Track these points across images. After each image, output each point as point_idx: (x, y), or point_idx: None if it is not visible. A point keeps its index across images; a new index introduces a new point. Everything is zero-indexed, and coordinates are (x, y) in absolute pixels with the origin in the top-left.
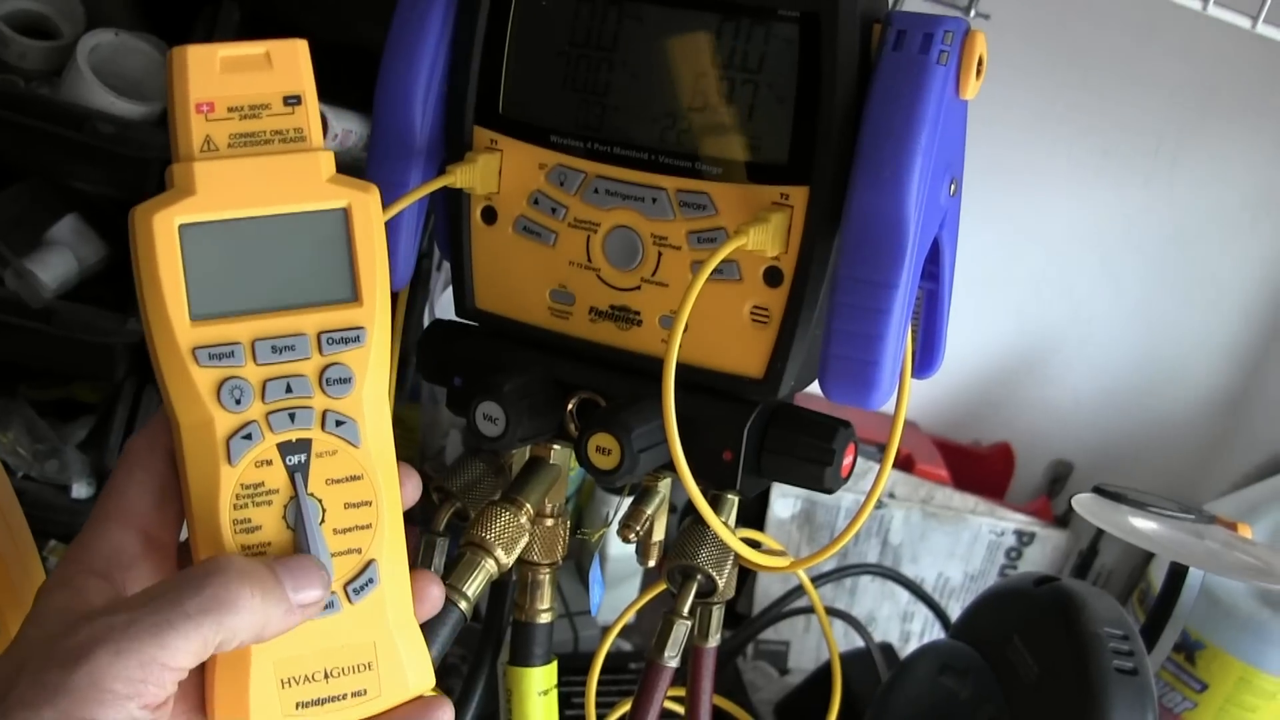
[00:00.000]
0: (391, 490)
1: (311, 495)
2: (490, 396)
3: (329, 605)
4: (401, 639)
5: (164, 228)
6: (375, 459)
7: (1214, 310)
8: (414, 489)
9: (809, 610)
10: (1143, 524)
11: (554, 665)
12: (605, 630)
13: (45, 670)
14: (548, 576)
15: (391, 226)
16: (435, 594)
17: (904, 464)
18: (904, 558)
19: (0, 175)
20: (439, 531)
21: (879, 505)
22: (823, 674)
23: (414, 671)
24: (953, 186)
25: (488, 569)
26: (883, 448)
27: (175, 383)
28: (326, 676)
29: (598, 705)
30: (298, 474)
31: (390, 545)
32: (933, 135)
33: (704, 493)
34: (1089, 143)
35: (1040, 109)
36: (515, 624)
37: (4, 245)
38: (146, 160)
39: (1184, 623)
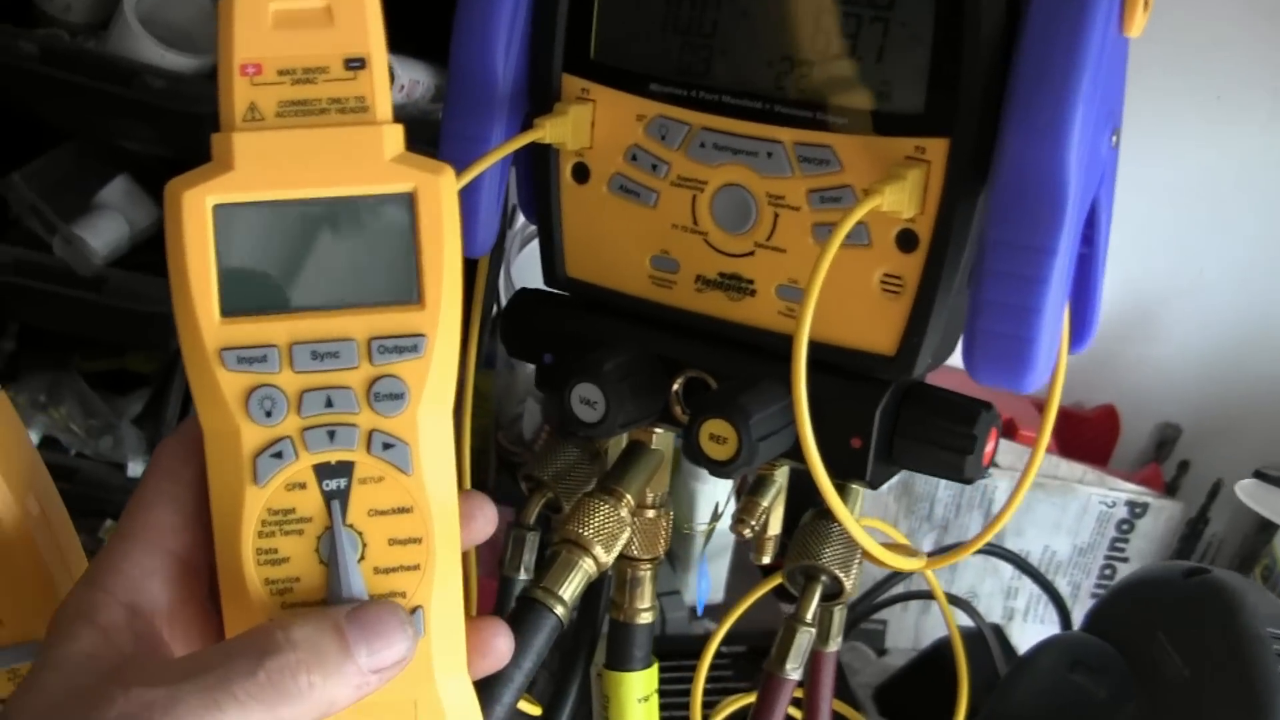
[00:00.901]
0: (448, 527)
1: (350, 527)
2: (588, 378)
3: None
4: (449, 699)
5: (194, 207)
6: (430, 490)
7: None
8: (486, 522)
9: (920, 595)
10: None
11: (655, 669)
12: (699, 614)
13: None
14: (649, 573)
15: (472, 188)
16: (502, 648)
17: (1007, 430)
18: (1008, 531)
19: (46, 136)
20: (529, 525)
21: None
22: (927, 658)
23: None
24: (1114, 137)
25: (585, 569)
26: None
27: (200, 386)
28: None
29: (675, 694)
30: (335, 501)
31: (442, 591)
32: (1095, 78)
33: None
34: (1199, 85)
35: (1146, 50)
36: (613, 624)
37: (51, 210)
38: (199, 116)
39: None
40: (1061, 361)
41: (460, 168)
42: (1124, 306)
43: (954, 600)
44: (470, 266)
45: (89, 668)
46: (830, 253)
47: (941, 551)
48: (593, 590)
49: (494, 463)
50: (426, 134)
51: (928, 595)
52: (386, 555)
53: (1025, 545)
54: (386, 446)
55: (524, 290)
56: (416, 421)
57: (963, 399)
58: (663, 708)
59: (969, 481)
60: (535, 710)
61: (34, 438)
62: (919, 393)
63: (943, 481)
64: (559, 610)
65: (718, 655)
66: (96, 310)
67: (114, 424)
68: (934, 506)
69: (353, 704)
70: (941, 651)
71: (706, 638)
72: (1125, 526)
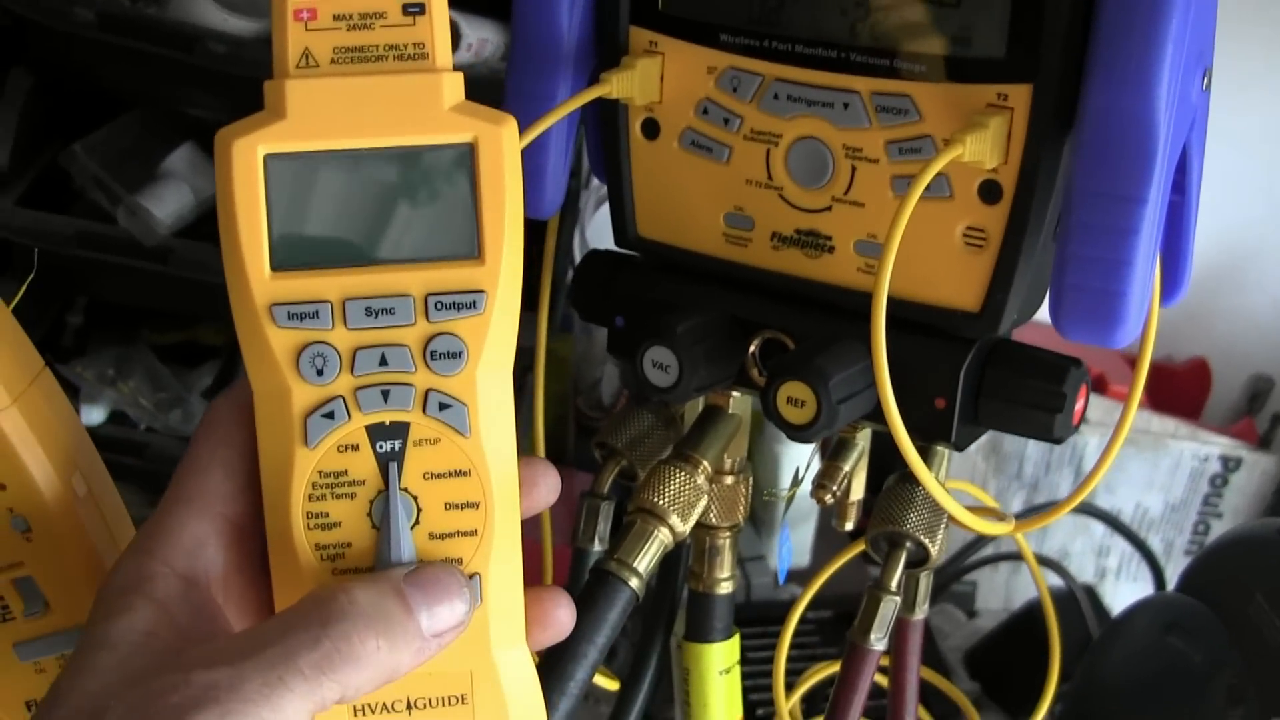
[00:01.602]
0: (507, 492)
1: (404, 491)
2: (661, 341)
3: None
4: (507, 671)
5: (245, 157)
6: (488, 452)
7: None
8: (548, 490)
9: (1009, 557)
10: None
11: (736, 640)
12: (780, 582)
13: None
14: (728, 541)
15: (539, 146)
16: (563, 619)
17: (1096, 385)
18: (1099, 488)
19: (109, 105)
20: (603, 494)
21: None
22: (1020, 621)
23: (519, 711)
24: (1205, 80)
25: (662, 539)
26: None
27: (249, 344)
28: (409, 707)
29: (758, 662)
30: (390, 464)
31: (500, 558)
32: (1185, 17)
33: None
34: None
35: None
36: (692, 595)
37: (115, 180)
38: (261, 81)
39: None
40: (1153, 315)
41: (525, 126)
42: (1214, 258)
43: (1044, 561)
44: (541, 228)
45: (146, 647)
46: (910, 205)
47: (1030, 513)
48: (671, 560)
49: (573, 429)
50: (495, 95)
51: (1017, 557)
52: (442, 520)
53: (1117, 503)
54: (443, 407)
55: (594, 251)
56: (475, 381)
57: (1051, 356)
58: (749, 674)
59: (1058, 441)
60: (613, 685)
61: (102, 413)
62: (1005, 350)
63: (1030, 441)
64: (633, 583)
65: (804, 621)
66: (162, 281)
67: (183, 397)
68: (1023, 465)
69: (412, 671)
70: (1033, 613)
71: (792, 603)
72: (1219, 481)
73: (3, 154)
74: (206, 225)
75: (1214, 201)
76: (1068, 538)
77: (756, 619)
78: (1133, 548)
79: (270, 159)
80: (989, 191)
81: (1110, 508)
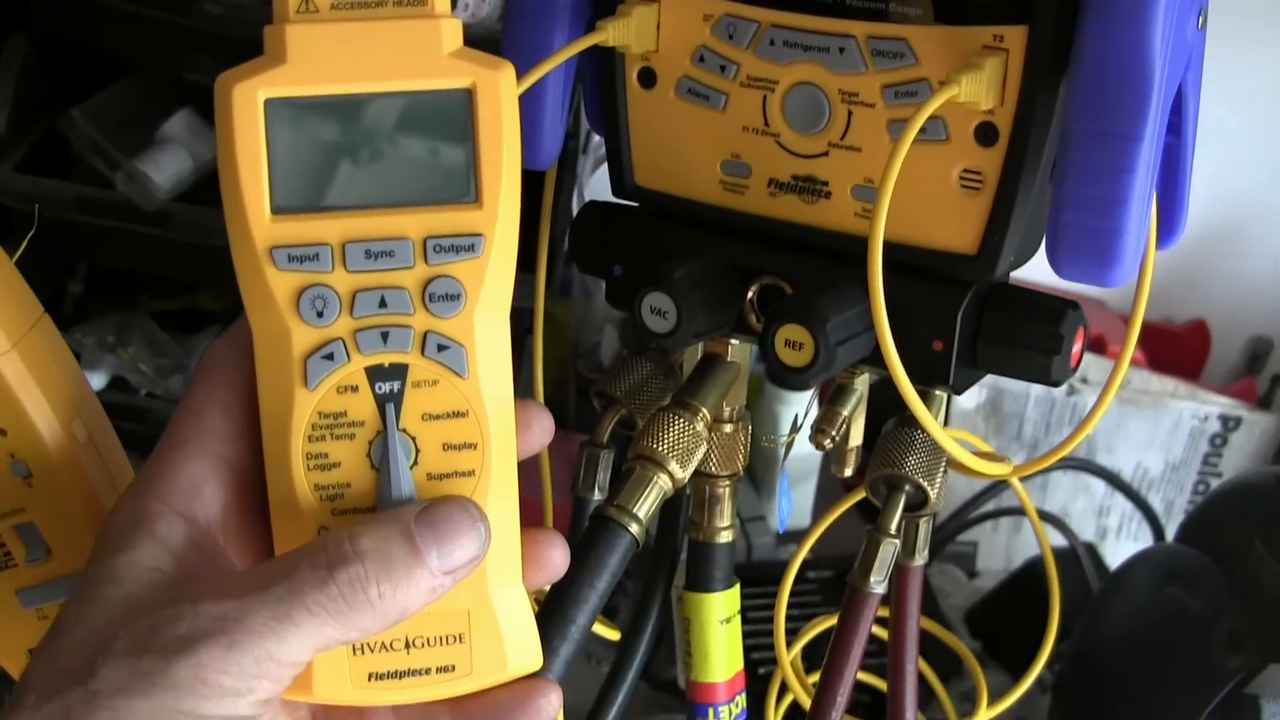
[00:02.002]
0: (504, 433)
1: (403, 431)
2: (658, 287)
3: None
4: (504, 610)
5: (245, 101)
6: (486, 394)
7: None
8: (543, 431)
9: (1010, 512)
10: None
11: (736, 589)
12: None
13: (140, 655)
14: (728, 490)
15: (535, 96)
16: (557, 560)
17: (1096, 346)
18: (1099, 448)
19: (108, 70)
20: (602, 444)
21: (1071, 391)
22: (1020, 578)
23: (516, 649)
24: (1200, 19)
25: (661, 486)
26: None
27: (250, 286)
28: (408, 647)
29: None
30: (388, 405)
31: (497, 499)
32: None
33: None
34: None
35: None
36: (692, 544)
37: (113, 146)
38: (259, 43)
39: None
40: (1149, 257)
41: (521, 75)
42: (1213, 219)
43: (1045, 517)
44: (539, 187)
45: (151, 581)
46: (904, 146)
47: (1032, 463)
48: (671, 510)
49: (573, 392)
50: (492, 54)
51: (1018, 511)
52: (440, 461)
53: (1117, 463)
54: (441, 348)
55: (592, 202)
56: (473, 324)
57: (1048, 298)
58: (750, 634)
59: (1056, 384)
60: (613, 635)
61: (103, 379)
62: (1003, 293)
63: (1032, 400)
64: (633, 528)
65: (805, 580)
66: (161, 245)
67: (183, 363)
68: (1023, 425)
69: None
70: (1033, 571)
71: (776, 563)
72: (1218, 441)
73: (1, 120)
74: (205, 190)
75: (1216, 164)
76: (1068, 497)
77: (758, 579)
78: (1133, 506)
79: (271, 103)
80: (985, 134)
81: (1111, 467)
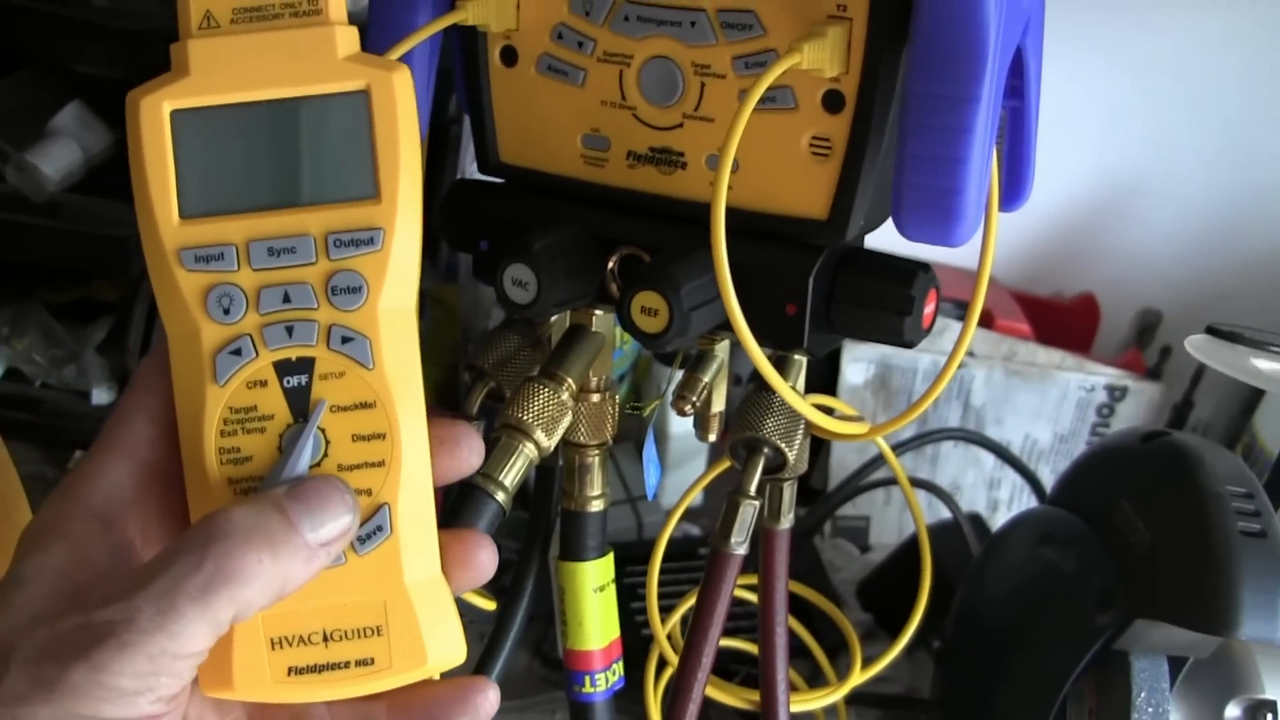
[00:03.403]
0: (414, 423)
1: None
2: (518, 258)
3: None
4: (421, 602)
5: (152, 114)
6: (393, 384)
7: None
8: (471, 452)
9: (890, 482)
10: (1266, 365)
11: (610, 558)
12: (650, 497)
13: (40, 663)
14: (597, 459)
15: None
16: (484, 561)
17: (983, 320)
18: (987, 420)
19: None
20: (471, 415)
21: (959, 365)
22: (907, 550)
23: (436, 642)
24: None
25: (527, 454)
26: (962, 304)
27: (161, 289)
28: (325, 640)
29: (666, 596)
30: (297, 398)
31: (409, 488)
32: None
33: (768, 355)
34: None
35: None
36: (564, 514)
37: (3, 138)
38: (145, 34)
39: None
40: (993, 219)
41: (383, 54)
42: (1098, 193)
43: (927, 486)
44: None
45: (54, 587)
46: (745, 113)
47: (887, 422)
48: (545, 481)
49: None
50: None
51: (893, 482)
52: (350, 452)
53: (1006, 434)
54: (346, 340)
55: (461, 180)
56: (376, 315)
57: (900, 260)
58: (641, 610)
59: (910, 345)
60: (489, 605)
61: None
62: (855, 257)
63: (920, 374)
64: (500, 496)
65: (698, 557)
66: (52, 235)
67: (77, 353)
68: (911, 400)
69: (308, 583)
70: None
71: (684, 541)
72: (1105, 411)
73: None
74: (95, 180)
75: (1099, 136)
76: (958, 470)
77: (649, 556)
78: (1021, 477)
79: (176, 114)
80: (832, 101)
81: (1000, 439)
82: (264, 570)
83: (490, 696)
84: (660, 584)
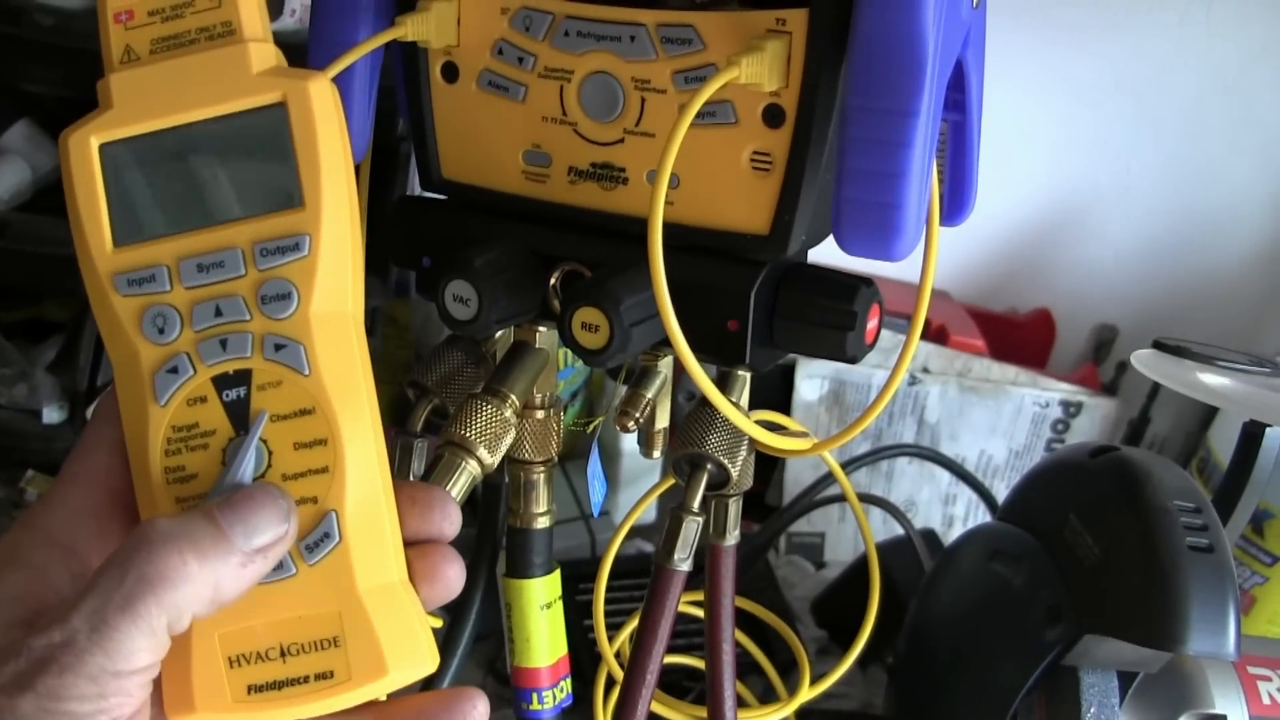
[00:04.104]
0: (358, 427)
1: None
2: (459, 274)
3: (278, 567)
4: (378, 610)
5: (80, 149)
6: (331, 389)
7: (1261, 155)
8: (445, 520)
9: (842, 498)
10: (1212, 379)
11: (556, 575)
12: (595, 514)
13: None
14: (542, 476)
15: (340, 91)
16: (451, 575)
17: (937, 336)
18: (942, 436)
19: None
20: (415, 433)
21: (913, 381)
22: (861, 566)
23: (397, 651)
24: None
25: (470, 471)
26: (911, 318)
27: (101, 316)
28: (283, 655)
29: (619, 614)
30: (237, 411)
31: (357, 494)
32: None
33: (711, 371)
34: None
35: None
36: (510, 530)
37: None
38: (94, 53)
39: (1262, 491)
40: (933, 233)
41: (323, 69)
42: (1053, 209)
43: (879, 502)
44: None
45: (12, 614)
46: (683, 126)
47: (832, 438)
48: (491, 499)
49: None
50: None
51: (841, 499)
52: (293, 460)
53: (961, 450)
54: (279, 348)
55: (406, 197)
56: (309, 321)
57: (842, 275)
58: (591, 627)
59: (853, 360)
60: (436, 622)
61: None
62: (796, 272)
63: (873, 390)
64: None
65: (649, 574)
66: (3, 256)
67: (28, 372)
68: None
69: (247, 587)
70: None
71: (639, 558)
72: (1060, 427)
73: None
74: (44, 200)
75: (1053, 152)
76: (914, 487)
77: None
78: (976, 495)
79: (104, 147)
80: (772, 116)
81: (954, 455)
82: (190, 573)
83: (480, 707)
84: (614, 601)
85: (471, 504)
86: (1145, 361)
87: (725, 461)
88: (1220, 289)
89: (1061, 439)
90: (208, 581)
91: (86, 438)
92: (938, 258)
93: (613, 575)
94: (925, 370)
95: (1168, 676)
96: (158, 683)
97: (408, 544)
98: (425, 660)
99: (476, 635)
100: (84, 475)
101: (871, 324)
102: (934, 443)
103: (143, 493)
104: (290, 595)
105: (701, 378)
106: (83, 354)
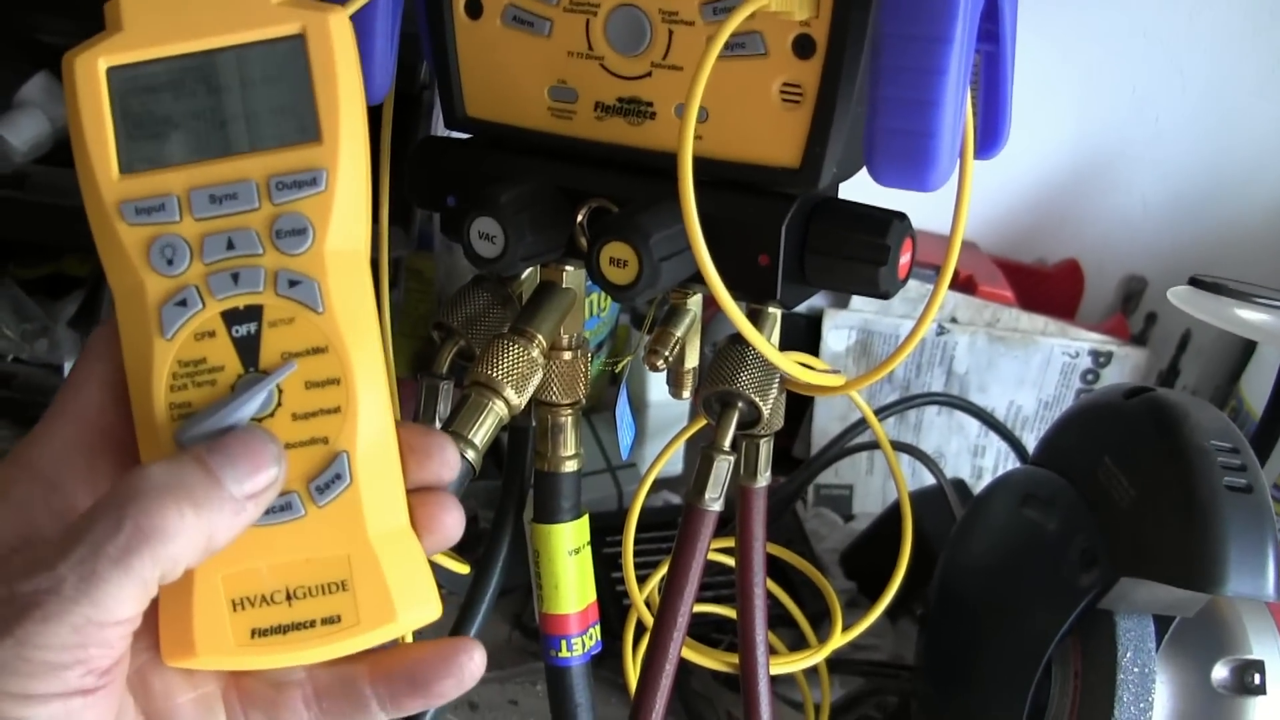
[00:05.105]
0: (370, 368)
1: (263, 373)
2: (485, 211)
3: (286, 508)
4: (388, 555)
5: (87, 72)
6: (345, 328)
7: None
8: (444, 466)
9: (872, 446)
10: (1250, 314)
11: (584, 520)
12: (625, 457)
13: None
14: (570, 418)
15: (363, 30)
16: (450, 524)
17: (965, 286)
18: (971, 387)
19: None
20: (441, 374)
21: (941, 331)
22: (890, 517)
23: (406, 597)
24: None
25: (497, 412)
26: (940, 269)
27: (104, 246)
28: (289, 598)
29: (647, 565)
30: (247, 347)
31: (369, 436)
32: None
33: (741, 308)
34: None
35: None
36: (538, 475)
37: None
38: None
39: None
40: (968, 166)
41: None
42: (1080, 159)
43: (910, 450)
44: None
45: None
46: (711, 57)
47: (864, 376)
48: (518, 443)
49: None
50: None
51: (875, 446)
52: (304, 399)
53: (990, 402)
54: (293, 284)
55: (429, 137)
56: (324, 258)
57: (874, 210)
58: (621, 579)
59: (886, 296)
60: (463, 569)
61: None
62: (828, 206)
63: (902, 338)
64: (469, 454)
65: (676, 525)
66: (20, 207)
67: (49, 327)
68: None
69: (241, 532)
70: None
71: (667, 509)
72: (1090, 377)
73: None
74: (64, 152)
75: (1080, 102)
76: (942, 438)
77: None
78: (1006, 444)
79: (112, 70)
80: (802, 46)
81: (984, 407)
82: (187, 525)
83: (476, 657)
84: (641, 552)
85: (495, 453)
86: (1183, 297)
87: (756, 399)
88: (1249, 238)
89: (1091, 389)
90: (203, 532)
91: (76, 373)
92: (971, 184)
93: (640, 527)
94: (954, 320)
95: (1205, 621)
96: (136, 635)
97: (406, 491)
98: (431, 608)
99: (501, 589)
100: (74, 411)
101: (904, 259)
102: (963, 394)
103: (144, 428)
104: (299, 537)
105: (735, 312)
106: (104, 308)
